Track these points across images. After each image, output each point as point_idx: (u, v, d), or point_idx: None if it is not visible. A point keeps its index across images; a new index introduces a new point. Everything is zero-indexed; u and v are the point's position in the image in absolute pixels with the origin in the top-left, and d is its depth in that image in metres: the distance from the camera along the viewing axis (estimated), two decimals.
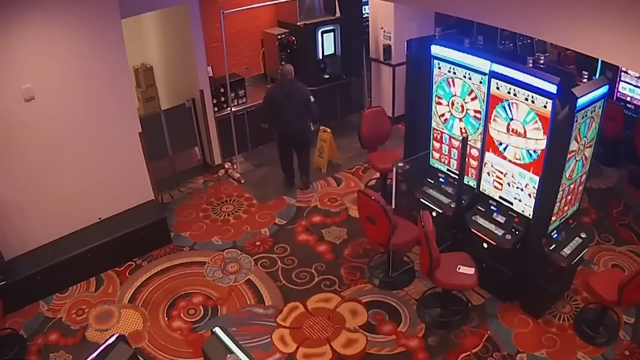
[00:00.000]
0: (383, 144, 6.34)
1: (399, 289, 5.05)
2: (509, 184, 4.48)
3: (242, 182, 6.91)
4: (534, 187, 4.26)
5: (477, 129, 4.58)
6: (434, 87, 4.80)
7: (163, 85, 7.27)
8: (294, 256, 5.55)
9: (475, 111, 4.54)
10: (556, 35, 3.99)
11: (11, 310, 4.80)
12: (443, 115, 4.88)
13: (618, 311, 4.54)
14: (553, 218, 4.26)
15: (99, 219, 5.50)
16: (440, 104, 4.85)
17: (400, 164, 5.01)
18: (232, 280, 5.24)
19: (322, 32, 7.45)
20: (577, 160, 4.09)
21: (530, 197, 4.34)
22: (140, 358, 4.20)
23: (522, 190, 4.39)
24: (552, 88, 3.79)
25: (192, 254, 5.64)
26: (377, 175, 6.70)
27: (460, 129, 4.75)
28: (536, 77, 3.89)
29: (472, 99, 4.52)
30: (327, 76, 7.75)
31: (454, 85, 4.63)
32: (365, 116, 6.15)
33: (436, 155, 5.17)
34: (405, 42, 4.98)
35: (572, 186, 4.25)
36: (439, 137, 5.04)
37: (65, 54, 4.77)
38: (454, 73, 4.56)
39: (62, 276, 5.11)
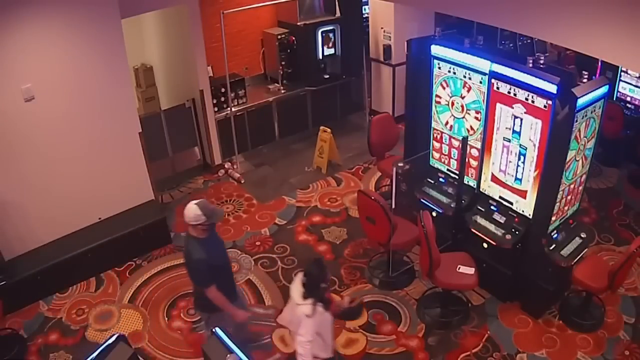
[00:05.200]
0: (391, 149, 6.18)
1: (399, 289, 5.05)
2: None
3: (242, 182, 6.91)
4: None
5: (478, 128, 4.59)
6: (434, 86, 4.79)
7: (163, 85, 7.26)
8: (294, 256, 5.55)
9: (476, 112, 4.56)
10: (556, 35, 4.00)
11: (11, 310, 4.80)
12: (447, 123, 4.88)
13: (602, 297, 4.61)
14: (553, 218, 4.26)
15: (99, 219, 5.50)
16: (439, 103, 4.85)
17: (400, 164, 5.01)
18: None
19: (322, 32, 7.45)
20: (577, 160, 4.09)
21: (530, 197, 4.34)
22: (140, 358, 4.20)
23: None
24: (552, 88, 3.79)
25: None
26: (377, 178, 6.68)
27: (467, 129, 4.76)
28: (536, 77, 3.89)
29: (468, 91, 4.52)
30: (327, 76, 7.75)
31: (447, 86, 4.63)
32: (374, 123, 5.95)
33: (436, 155, 5.17)
34: (405, 42, 4.98)
35: (572, 186, 4.25)
36: (439, 137, 5.04)
37: (65, 54, 4.77)
38: (454, 73, 4.56)
39: (62, 276, 5.11)
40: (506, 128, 4.32)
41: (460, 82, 4.54)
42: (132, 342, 4.02)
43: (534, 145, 4.15)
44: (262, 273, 5.34)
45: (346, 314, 4.08)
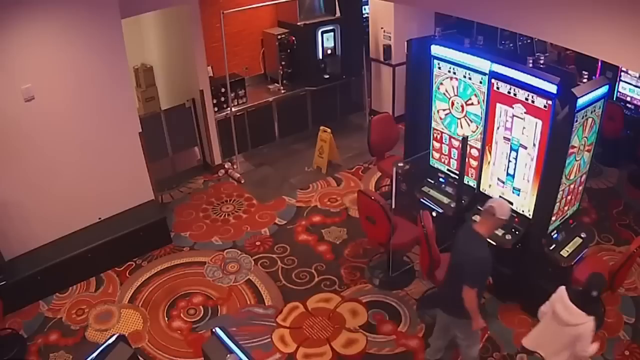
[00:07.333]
0: (391, 149, 6.16)
1: (399, 289, 5.04)
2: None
3: (242, 182, 6.91)
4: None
5: (477, 128, 4.59)
6: (437, 82, 4.79)
7: (163, 85, 7.26)
8: (294, 256, 5.55)
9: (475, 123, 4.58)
10: (556, 35, 4.00)
11: (11, 310, 4.80)
12: (441, 111, 4.88)
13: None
14: (553, 218, 4.26)
15: (99, 219, 5.50)
16: (441, 92, 4.84)
17: (400, 164, 5.01)
18: (232, 280, 5.24)
19: (322, 32, 7.45)
20: (577, 160, 4.09)
21: (530, 197, 4.34)
22: (140, 358, 4.20)
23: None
24: (552, 88, 3.79)
25: (192, 254, 5.64)
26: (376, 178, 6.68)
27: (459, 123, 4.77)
28: (536, 77, 3.89)
29: (473, 104, 4.53)
30: (327, 76, 7.75)
31: (457, 85, 4.63)
32: (374, 123, 5.93)
33: (436, 155, 5.17)
34: (405, 42, 4.98)
35: (572, 186, 4.25)
36: (439, 137, 5.04)
37: (65, 54, 4.77)
38: (454, 73, 4.56)
39: (62, 276, 5.11)
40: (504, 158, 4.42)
41: (471, 92, 4.51)
42: (132, 342, 4.02)
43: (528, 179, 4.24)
44: (262, 273, 5.34)
45: None
